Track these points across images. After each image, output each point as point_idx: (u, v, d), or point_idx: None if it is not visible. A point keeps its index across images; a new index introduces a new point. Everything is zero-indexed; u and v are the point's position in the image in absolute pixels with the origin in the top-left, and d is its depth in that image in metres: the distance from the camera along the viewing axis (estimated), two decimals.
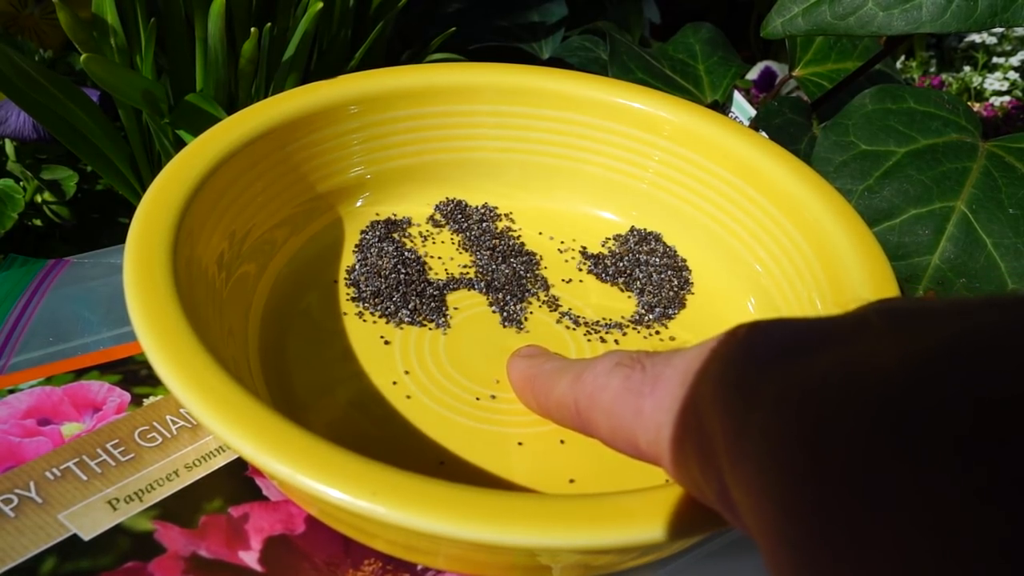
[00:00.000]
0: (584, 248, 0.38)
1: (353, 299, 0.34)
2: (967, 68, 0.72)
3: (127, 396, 0.30)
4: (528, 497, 0.21)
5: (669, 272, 0.37)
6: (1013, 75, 0.70)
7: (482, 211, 0.39)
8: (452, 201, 0.39)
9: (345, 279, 0.34)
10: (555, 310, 0.34)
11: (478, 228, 0.38)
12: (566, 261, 0.37)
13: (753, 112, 0.50)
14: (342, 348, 0.31)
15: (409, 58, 0.49)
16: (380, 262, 0.35)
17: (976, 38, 0.72)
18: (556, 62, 0.54)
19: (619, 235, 0.38)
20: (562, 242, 0.38)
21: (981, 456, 0.11)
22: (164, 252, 0.26)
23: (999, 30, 0.71)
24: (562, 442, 0.29)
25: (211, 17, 0.35)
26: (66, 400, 0.30)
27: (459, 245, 0.37)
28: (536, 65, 0.44)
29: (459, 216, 0.38)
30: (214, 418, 0.21)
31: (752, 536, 0.14)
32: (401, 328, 0.33)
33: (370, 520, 0.20)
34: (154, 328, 0.24)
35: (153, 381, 0.31)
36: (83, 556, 0.25)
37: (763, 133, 0.44)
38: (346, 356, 0.31)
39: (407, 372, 0.31)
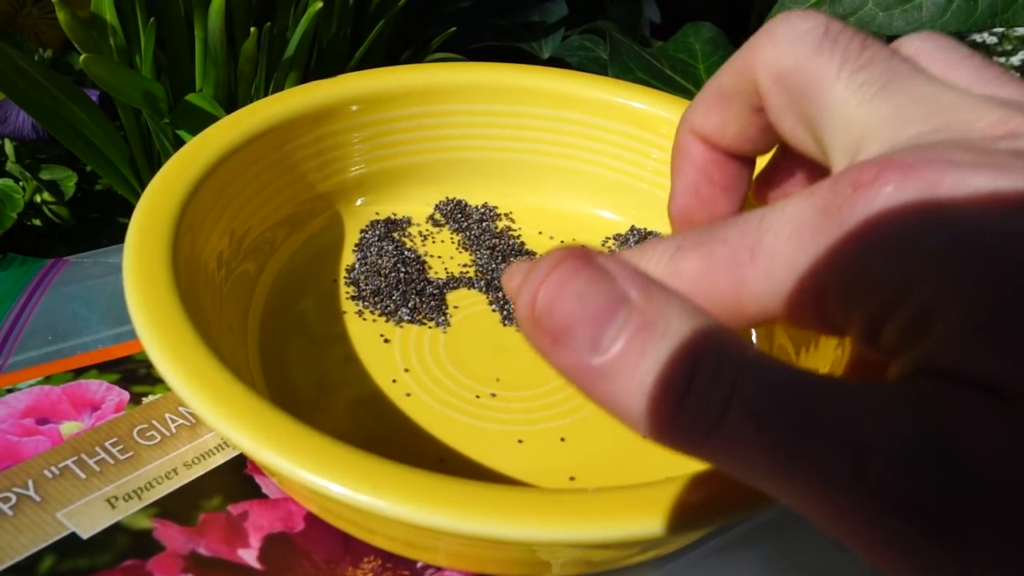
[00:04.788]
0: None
1: (353, 298, 0.33)
2: None
3: (126, 395, 0.30)
4: (529, 491, 0.21)
5: None
6: (1014, 75, 0.70)
7: (482, 210, 0.39)
8: (452, 200, 0.39)
9: (345, 278, 0.34)
10: None
11: (478, 227, 0.38)
12: None
13: None
14: (341, 346, 0.31)
15: (409, 58, 0.48)
16: (380, 261, 0.35)
17: (977, 38, 0.72)
18: (556, 62, 0.53)
19: (619, 234, 0.38)
20: (562, 241, 0.38)
21: None
22: (164, 247, 0.26)
23: (1000, 30, 0.72)
24: (562, 440, 0.29)
25: (211, 16, 0.35)
26: (65, 399, 0.29)
27: (459, 244, 0.37)
28: (536, 65, 0.44)
29: (459, 215, 0.38)
30: (214, 413, 0.21)
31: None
32: (401, 326, 0.32)
33: (371, 515, 0.20)
34: (153, 322, 0.23)
35: (152, 379, 0.30)
36: (81, 554, 0.25)
37: None
38: (346, 354, 0.31)
39: (407, 370, 0.31)
